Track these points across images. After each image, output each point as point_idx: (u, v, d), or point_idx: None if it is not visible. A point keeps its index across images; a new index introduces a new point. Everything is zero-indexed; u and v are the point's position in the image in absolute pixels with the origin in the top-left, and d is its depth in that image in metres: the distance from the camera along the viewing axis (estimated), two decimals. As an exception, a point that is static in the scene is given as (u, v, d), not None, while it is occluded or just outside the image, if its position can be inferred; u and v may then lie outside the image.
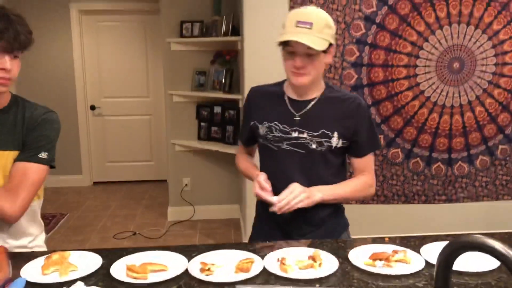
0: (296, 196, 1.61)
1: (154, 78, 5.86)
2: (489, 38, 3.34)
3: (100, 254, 1.62)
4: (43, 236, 1.89)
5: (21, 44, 1.53)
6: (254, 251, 1.66)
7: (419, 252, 1.65)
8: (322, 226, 1.83)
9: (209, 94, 4.33)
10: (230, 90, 4.23)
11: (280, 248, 1.69)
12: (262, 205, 1.81)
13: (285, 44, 1.61)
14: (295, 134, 1.71)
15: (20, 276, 1.46)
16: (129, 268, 1.49)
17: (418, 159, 3.50)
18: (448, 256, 0.97)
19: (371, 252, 1.63)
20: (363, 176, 1.79)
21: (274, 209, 1.63)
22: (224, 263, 1.56)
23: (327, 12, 1.65)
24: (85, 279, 1.46)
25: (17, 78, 1.62)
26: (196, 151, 4.63)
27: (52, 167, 1.71)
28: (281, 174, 1.73)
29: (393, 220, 3.58)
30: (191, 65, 4.47)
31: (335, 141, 1.69)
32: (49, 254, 1.60)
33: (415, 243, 1.75)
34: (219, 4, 4.30)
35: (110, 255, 1.63)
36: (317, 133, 1.69)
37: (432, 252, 1.63)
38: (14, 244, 1.73)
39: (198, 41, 4.34)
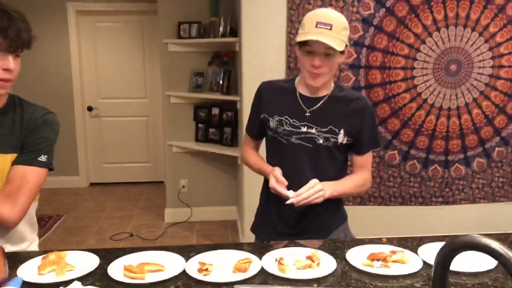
0: (316, 191, 1.66)
1: (152, 79, 5.86)
2: (486, 41, 3.36)
3: (97, 254, 1.62)
4: (37, 240, 1.86)
5: (24, 42, 1.47)
6: (252, 251, 1.66)
7: (416, 253, 1.65)
8: (322, 217, 1.87)
9: (206, 95, 4.33)
10: (228, 92, 4.23)
11: (278, 248, 1.69)
12: (268, 197, 1.91)
13: (304, 43, 1.66)
14: (304, 129, 1.78)
15: (17, 276, 1.46)
16: (127, 268, 1.48)
17: (415, 161, 3.50)
18: (445, 256, 0.97)
19: (369, 253, 1.63)
20: (362, 172, 1.87)
21: (292, 201, 1.67)
22: (222, 263, 1.56)
23: (336, 13, 1.71)
24: (82, 279, 1.46)
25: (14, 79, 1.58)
26: (194, 153, 4.62)
27: (50, 169, 1.67)
28: (289, 167, 1.79)
29: (390, 222, 3.58)
30: (189, 66, 4.47)
31: (341, 137, 1.77)
32: (46, 254, 1.60)
33: (412, 243, 1.76)
34: (216, 5, 4.30)
35: (107, 255, 1.62)
36: (325, 129, 1.77)
37: (429, 252, 1.63)
38: (12, 250, 1.70)
39: (196, 42, 4.34)
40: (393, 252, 1.62)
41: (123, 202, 5.35)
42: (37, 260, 1.57)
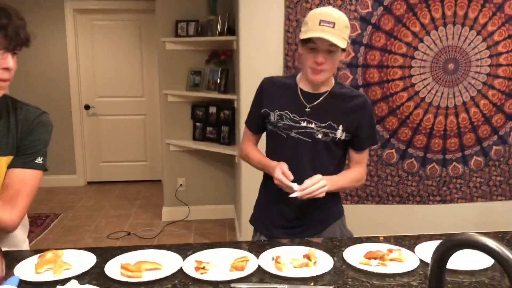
0: (321, 186, 1.70)
1: (149, 78, 5.85)
2: (484, 39, 3.36)
3: (94, 253, 1.62)
4: (27, 241, 1.83)
5: (23, 41, 1.45)
6: (249, 250, 1.66)
7: (413, 251, 1.65)
8: (319, 211, 1.90)
9: (204, 94, 4.33)
10: (225, 90, 4.22)
11: (275, 246, 1.69)
12: (267, 190, 1.97)
13: (307, 41, 1.71)
14: (304, 124, 1.82)
15: (14, 275, 1.46)
16: (124, 267, 1.48)
17: (412, 159, 3.51)
18: (442, 254, 0.97)
19: (366, 251, 1.63)
20: (359, 167, 1.92)
21: (296, 194, 1.70)
22: (219, 261, 1.56)
23: (338, 12, 1.75)
24: (79, 277, 1.45)
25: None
26: (191, 151, 4.62)
27: (45, 170, 1.65)
28: (288, 161, 1.81)
29: (388, 221, 3.58)
30: (186, 65, 4.47)
31: (340, 133, 1.82)
32: (43, 253, 1.59)
33: (409, 242, 1.76)
34: (214, 4, 4.30)
35: (104, 254, 1.62)
36: (324, 124, 1.81)
37: (426, 251, 1.64)
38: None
39: (193, 41, 4.34)
40: (390, 251, 1.63)
41: (121, 201, 5.35)
42: (34, 258, 1.57)
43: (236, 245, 1.72)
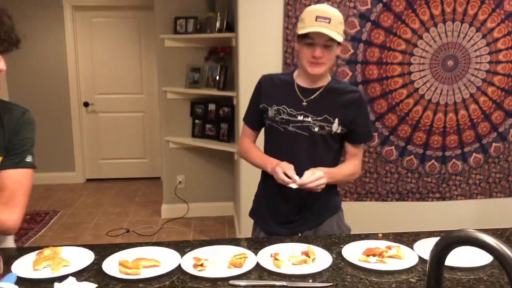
0: (320, 183, 1.74)
1: (148, 75, 5.84)
2: (483, 36, 3.35)
3: (92, 250, 1.62)
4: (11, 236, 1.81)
5: (14, 42, 1.43)
6: (247, 247, 1.66)
7: (412, 248, 1.65)
8: (314, 205, 1.93)
9: (203, 91, 4.32)
10: (224, 87, 4.22)
11: (274, 243, 1.69)
12: (265, 184, 2.01)
13: (304, 36, 1.77)
14: (300, 118, 1.87)
15: (11, 272, 1.45)
16: (122, 264, 1.48)
17: (412, 156, 3.50)
18: (440, 251, 0.97)
19: (365, 248, 1.63)
20: (354, 161, 1.97)
21: (294, 186, 1.75)
22: (217, 258, 1.56)
23: (333, 9, 1.80)
24: (77, 274, 1.45)
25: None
26: (190, 149, 4.61)
27: (35, 168, 1.64)
28: (286, 154, 1.88)
29: (387, 218, 3.58)
30: (185, 62, 4.46)
31: (335, 126, 1.86)
32: (41, 250, 1.59)
33: (408, 239, 1.76)
34: (213, 1, 4.28)
35: (102, 251, 1.62)
36: (320, 118, 1.86)
37: (425, 247, 1.63)
38: None
39: (192, 38, 4.33)
40: (389, 248, 1.62)
41: (120, 198, 5.35)
42: (32, 255, 1.57)
43: (235, 242, 1.71)
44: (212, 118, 4.44)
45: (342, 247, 1.65)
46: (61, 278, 1.39)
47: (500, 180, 3.58)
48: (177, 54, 4.44)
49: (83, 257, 1.56)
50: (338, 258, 1.59)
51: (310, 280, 1.44)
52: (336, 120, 1.86)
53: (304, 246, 1.64)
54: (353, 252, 1.61)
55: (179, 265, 1.51)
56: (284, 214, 1.96)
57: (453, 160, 3.52)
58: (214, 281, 1.43)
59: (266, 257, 1.57)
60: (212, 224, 4.55)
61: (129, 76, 5.84)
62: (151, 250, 1.63)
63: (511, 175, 3.58)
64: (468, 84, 3.42)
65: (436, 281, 1.00)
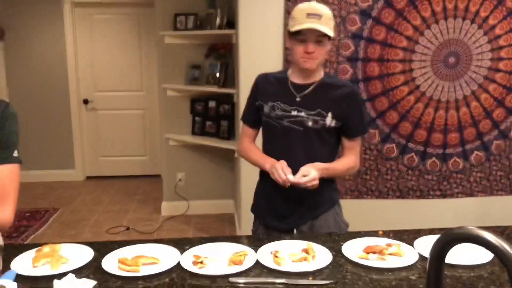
0: (312, 180, 1.77)
1: (148, 72, 5.83)
2: (485, 33, 3.34)
3: (92, 247, 1.61)
4: None
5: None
6: (247, 244, 1.66)
7: (412, 245, 1.65)
8: (310, 199, 1.95)
9: (203, 88, 4.31)
10: (224, 84, 4.21)
11: (274, 241, 1.68)
12: (263, 182, 2.05)
13: (296, 33, 1.82)
14: (294, 113, 1.91)
15: (10, 269, 1.45)
16: (121, 261, 1.48)
17: (413, 154, 3.49)
18: (440, 248, 0.97)
19: (365, 245, 1.63)
20: (351, 155, 1.99)
21: (287, 184, 1.78)
22: (217, 256, 1.55)
23: (322, 6, 1.85)
24: (76, 271, 1.45)
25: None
26: (190, 146, 4.61)
27: (21, 163, 1.60)
28: (281, 149, 1.95)
29: (388, 215, 3.57)
30: (185, 59, 4.45)
31: (329, 120, 1.89)
32: (40, 247, 1.59)
33: (408, 236, 1.75)
34: (213, -3, 4.28)
35: (102, 248, 1.62)
36: (313, 112, 1.90)
37: (425, 245, 1.63)
38: None
39: (193, 34, 4.32)
40: (389, 245, 1.62)
41: (120, 196, 5.34)
42: (31, 252, 1.56)
43: (234, 239, 1.71)
44: (212, 116, 4.43)
45: (342, 245, 1.65)
46: (60, 275, 1.39)
47: (501, 178, 3.57)
48: (177, 51, 4.43)
49: (83, 254, 1.56)
50: (338, 255, 1.59)
51: (310, 278, 1.44)
52: (330, 114, 1.89)
53: (304, 244, 1.64)
54: (353, 249, 1.61)
55: (179, 262, 1.51)
56: (281, 209, 1.99)
57: (454, 157, 3.51)
58: (213, 278, 1.43)
59: (266, 254, 1.57)
60: (212, 221, 4.55)
61: (129, 73, 5.83)
62: (150, 247, 1.62)
63: (512, 172, 3.57)
64: (470, 81, 3.41)
65: (436, 279, 0.99)
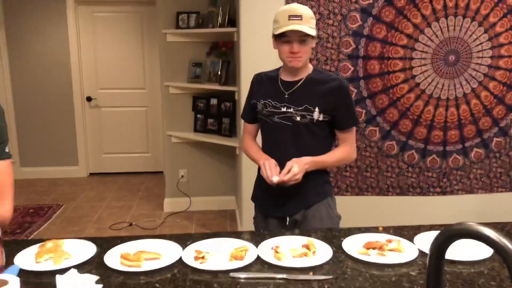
0: (293, 175, 1.86)
1: (151, 70, 5.84)
2: (486, 31, 3.34)
3: (94, 243, 1.63)
4: None
5: None
6: (248, 240, 1.67)
7: (412, 241, 1.66)
8: (301, 190, 2.02)
9: (205, 86, 4.32)
10: (226, 82, 4.22)
11: (274, 236, 1.70)
12: (260, 174, 2.09)
13: (281, 35, 1.92)
14: (283, 109, 2.02)
15: (14, 264, 1.47)
16: (123, 256, 1.49)
17: (413, 151, 3.50)
18: (441, 244, 0.98)
19: (365, 241, 1.64)
20: (345, 147, 2.08)
21: (275, 179, 1.89)
22: (218, 251, 1.57)
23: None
24: (78, 267, 1.46)
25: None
26: (192, 143, 4.62)
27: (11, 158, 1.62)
28: (273, 143, 2.08)
29: (388, 212, 3.59)
30: (187, 57, 4.46)
31: (316, 115, 1.98)
32: (43, 242, 1.60)
33: (409, 232, 1.77)
34: (215, -5, 4.28)
35: (104, 244, 1.63)
36: (301, 108, 1.99)
37: (425, 241, 1.64)
38: None
39: (194, 33, 4.33)
40: (389, 241, 1.63)
41: (123, 192, 5.36)
42: (35, 248, 1.58)
43: (236, 235, 1.72)
44: (214, 113, 4.45)
45: (342, 240, 1.66)
46: (63, 271, 1.41)
47: (501, 175, 3.58)
48: (179, 49, 4.44)
49: (85, 250, 1.58)
50: (339, 251, 1.60)
51: (311, 273, 1.45)
52: (317, 109, 1.97)
53: (304, 239, 1.65)
54: (353, 245, 1.62)
55: (180, 257, 1.52)
56: (275, 198, 2.08)
57: (454, 155, 3.52)
58: (215, 273, 1.44)
59: (267, 250, 1.58)
60: (214, 217, 4.57)
61: (132, 71, 5.85)
62: (152, 243, 1.64)
63: (512, 170, 3.58)
64: (470, 79, 3.41)
65: (436, 275, 1.00)
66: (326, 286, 1.37)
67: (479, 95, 3.44)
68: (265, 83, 2.12)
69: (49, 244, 1.58)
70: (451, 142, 3.49)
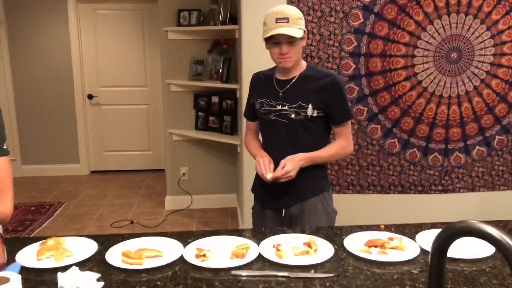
0: (285, 173, 1.93)
1: (152, 67, 5.84)
2: (488, 28, 3.33)
3: (96, 240, 1.63)
4: None
5: None
6: (249, 237, 1.67)
7: (414, 239, 1.65)
8: (297, 183, 2.05)
9: (206, 83, 4.32)
10: (227, 80, 4.21)
11: (276, 234, 1.69)
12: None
13: (270, 38, 1.97)
14: (279, 107, 2.07)
15: (15, 261, 1.47)
16: (124, 254, 1.49)
17: (415, 149, 3.50)
18: (443, 242, 0.97)
19: (367, 239, 1.63)
20: (341, 141, 2.12)
21: (269, 177, 1.97)
22: (219, 249, 1.57)
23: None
24: (80, 264, 1.46)
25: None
26: (194, 141, 4.62)
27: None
28: (271, 140, 2.16)
29: (390, 210, 3.58)
30: (189, 54, 4.45)
31: (310, 111, 2.02)
32: (44, 240, 1.60)
33: (410, 230, 1.76)
34: (217, -7, 4.27)
35: (106, 241, 1.63)
36: (295, 105, 2.04)
37: (427, 239, 1.64)
38: None
39: (196, 30, 4.32)
40: (391, 239, 1.63)
41: (124, 190, 5.37)
42: (36, 245, 1.58)
43: (237, 232, 1.72)
44: (215, 111, 4.44)
45: (344, 238, 1.66)
46: (64, 268, 1.41)
47: (503, 173, 3.57)
48: (181, 47, 4.43)
49: (87, 247, 1.58)
50: (340, 249, 1.60)
51: (312, 271, 1.45)
52: (310, 105, 2.01)
53: (306, 237, 1.65)
54: (355, 243, 1.62)
55: (182, 255, 1.52)
56: (272, 190, 2.12)
57: (456, 153, 3.51)
58: (216, 271, 1.44)
59: (268, 247, 1.58)
60: (215, 215, 4.57)
61: (133, 69, 5.84)
62: (154, 240, 1.64)
63: (514, 168, 3.57)
64: (472, 77, 3.41)
65: (438, 273, 1.00)
66: (327, 284, 1.37)
67: (481, 93, 3.43)
68: (262, 82, 2.18)
69: (50, 241, 1.58)
70: (453, 140, 3.49)
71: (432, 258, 1.00)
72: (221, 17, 4.11)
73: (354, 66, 3.34)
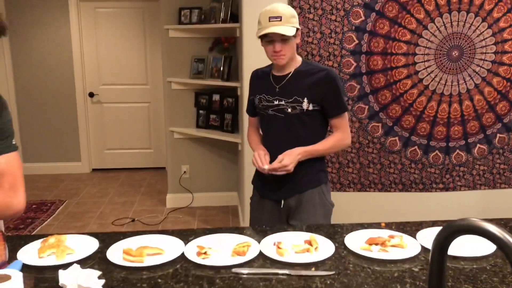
0: (282, 167, 2.00)
1: (153, 65, 5.84)
2: (489, 26, 3.33)
3: (97, 238, 1.63)
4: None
5: (1, 29, 1.42)
6: (250, 235, 1.67)
7: (415, 237, 1.66)
8: (295, 175, 2.10)
9: (207, 81, 4.32)
10: (228, 78, 4.21)
11: (277, 232, 1.70)
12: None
13: (264, 36, 2.04)
14: (276, 102, 2.14)
15: (17, 259, 1.47)
16: (126, 252, 1.49)
17: (416, 147, 3.50)
18: (444, 240, 0.97)
19: (367, 237, 1.64)
20: (338, 133, 2.17)
21: (266, 168, 2.06)
22: (220, 247, 1.57)
23: (283, 6, 2.06)
24: (81, 262, 1.47)
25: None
26: (195, 139, 4.62)
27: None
28: (269, 134, 2.23)
29: (390, 209, 3.58)
30: (190, 53, 4.45)
31: (306, 105, 2.08)
32: (46, 238, 1.61)
33: (411, 228, 1.76)
34: (218, -9, 4.27)
35: (107, 239, 1.64)
36: (290, 100, 2.10)
37: (428, 237, 1.64)
38: None
39: (197, 28, 4.32)
40: (392, 237, 1.63)
41: (125, 188, 5.37)
42: (37, 243, 1.58)
43: (238, 230, 1.73)
44: (216, 109, 4.44)
45: (344, 236, 1.66)
46: (65, 266, 1.41)
47: (504, 171, 3.57)
48: (182, 45, 4.43)
49: (88, 245, 1.58)
50: (341, 247, 1.60)
51: (313, 269, 1.45)
52: (305, 100, 2.08)
53: (307, 235, 1.65)
54: (355, 241, 1.62)
55: (183, 253, 1.52)
56: (271, 182, 2.19)
57: (457, 151, 3.51)
58: (217, 269, 1.44)
59: (269, 245, 1.58)
60: (216, 213, 4.57)
61: (134, 67, 5.84)
62: (155, 238, 1.64)
63: (515, 166, 3.57)
64: (473, 75, 3.40)
65: (439, 270, 1.00)
66: (328, 282, 1.37)
67: (482, 91, 3.43)
68: (260, 78, 2.27)
69: (51, 239, 1.58)
70: (454, 138, 3.48)
71: (432, 256, 1.00)
72: (222, 15, 4.11)
73: (355, 64, 3.34)
